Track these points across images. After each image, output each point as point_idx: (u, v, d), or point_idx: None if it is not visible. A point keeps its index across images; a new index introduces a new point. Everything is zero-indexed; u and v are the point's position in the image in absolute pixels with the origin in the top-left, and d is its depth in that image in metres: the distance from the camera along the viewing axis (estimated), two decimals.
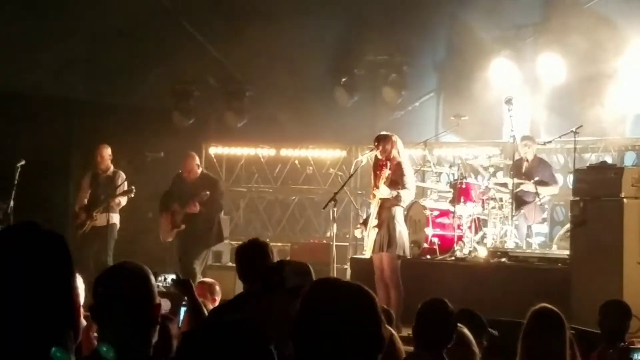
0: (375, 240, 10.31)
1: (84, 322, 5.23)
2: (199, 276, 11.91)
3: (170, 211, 12.90)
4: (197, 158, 13.24)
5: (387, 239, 10.25)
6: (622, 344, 7.29)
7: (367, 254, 10.53)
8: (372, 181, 10.61)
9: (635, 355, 7.47)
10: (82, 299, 3.24)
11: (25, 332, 2.43)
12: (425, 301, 5.48)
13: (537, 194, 12.37)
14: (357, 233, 10.80)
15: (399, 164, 10.33)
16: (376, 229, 10.26)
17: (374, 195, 10.36)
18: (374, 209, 10.38)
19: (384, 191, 10.21)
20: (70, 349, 2.55)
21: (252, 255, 6.04)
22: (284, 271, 5.43)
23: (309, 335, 2.72)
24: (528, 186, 12.43)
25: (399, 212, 10.44)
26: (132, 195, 12.97)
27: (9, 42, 13.79)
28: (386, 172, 10.23)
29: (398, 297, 10.25)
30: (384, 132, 10.62)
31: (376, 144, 10.39)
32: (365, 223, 10.62)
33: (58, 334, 2.50)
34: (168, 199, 13.04)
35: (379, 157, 10.38)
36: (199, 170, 13.12)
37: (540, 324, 5.29)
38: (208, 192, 12.70)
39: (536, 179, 12.41)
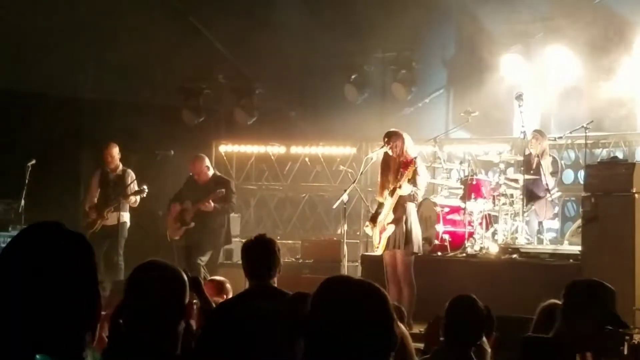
0: (389, 237, 10.30)
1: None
2: (203, 272, 11.91)
3: (181, 207, 12.77)
4: (206, 159, 12.96)
5: (403, 236, 10.25)
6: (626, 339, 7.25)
7: (378, 250, 10.52)
8: (381, 178, 10.59)
9: None
10: None
11: (48, 331, 2.42)
12: (454, 298, 5.44)
13: (547, 190, 12.33)
14: (368, 230, 10.78)
15: (412, 161, 10.33)
16: (393, 226, 10.25)
17: (392, 193, 10.31)
18: (388, 206, 10.35)
19: (406, 189, 10.21)
20: (87, 349, 2.54)
21: (258, 252, 6.01)
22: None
23: (320, 333, 2.71)
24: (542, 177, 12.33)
25: (413, 209, 10.45)
26: (144, 195, 12.97)
27: (19, 41, 13.82)
28: (410, 172, 10.23)
29: (411, 294, 10.25)
30: (393, 129, 10.62)
31: (386, 140, 10.40)
32: (373, 219, 10.59)
33: (78, 334, 2.49)
34: (179, 197, 12.97)
35: (390, 153, 10.37)
36: (210, 172, 12.92)
37: (549, 319, 5.27)
38: (223, 190, 12.61)
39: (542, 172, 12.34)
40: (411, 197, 10.32)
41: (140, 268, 3.43)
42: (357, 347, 2.67)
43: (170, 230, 12.93)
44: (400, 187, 10.19)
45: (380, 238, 10.45)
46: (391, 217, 10.30)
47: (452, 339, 5.29)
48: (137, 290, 3.33)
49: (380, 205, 10.65)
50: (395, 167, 10.35)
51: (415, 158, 10.37)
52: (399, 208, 10.29)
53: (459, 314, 5.30)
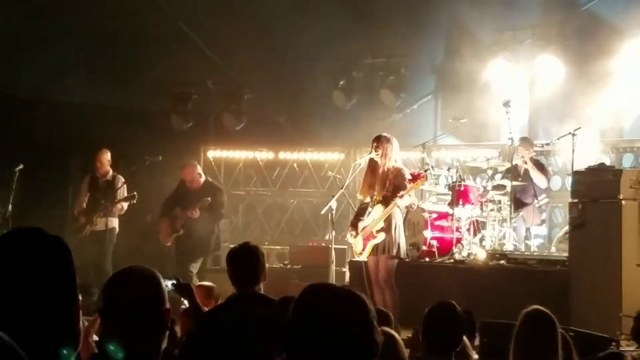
0: (377, 244, 10.29)
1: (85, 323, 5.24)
2: (195, 279, 11.93)
3: (170, 216, 12.90)
4: (197, 166, 13.18)
5: (390, 242, 10.25)
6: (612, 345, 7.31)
7: (363, 257, 10.50)
8: (365, 178, 10.56)
9: None
10: None
11: (27, 338, 2.42)
12: (434, 305, 5.47)
13: (535, 196, 12.38)
14: (350, 238, 10.72)
15: (400, 171, 10.35)
16: (384, 234, 10.24)
17: (386, 202, 10.28)
18: (378, 214, 10.32)
19: (406, 200, 10.29)
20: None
21: (243, 260, 6.02)
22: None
23: (300, 341, 2.72)
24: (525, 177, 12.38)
25: (399, 215, 10.45)
26: (134, 202, 12.97)
27: (7, 45, 13.79)
28: (418, 186, 10.37)
29: (394, 299, 10.23)
30: (384, 134, 10.59)
31: (375, 144, 10.36)
32: (354, 225, 10.56)
33: (59, 341, 2.49)
34: (170, 204, 13.06)
35: (376, 159, 10.35)
36: (202, 179, 13.07)
37: (531, 325, 5.30)
38: (209, 198, 12.71)
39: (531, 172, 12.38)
40: (404, 207, 10.41)
41: (116, 275, 3.42)
42: (337, 354, 2.68)
43: (162, 236, 13.00)
44: (401, 197, 10.20)
45: (364, 245, 10.45)
46: (381, 225, 10.29)
47: (432, 345, 5.32)
48: (111, 297, 3.32)
49: (361, 211, 10.63)
50: (381, 173, 10.35)
51: (401, 169, 10.39)
52: (389, 216, 10.30)
53: (438, 320, 5.34)
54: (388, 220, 10.27)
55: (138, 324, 3.24)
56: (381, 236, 10.25)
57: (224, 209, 13.32)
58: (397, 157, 10.48)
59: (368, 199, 10.50)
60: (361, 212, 10.63)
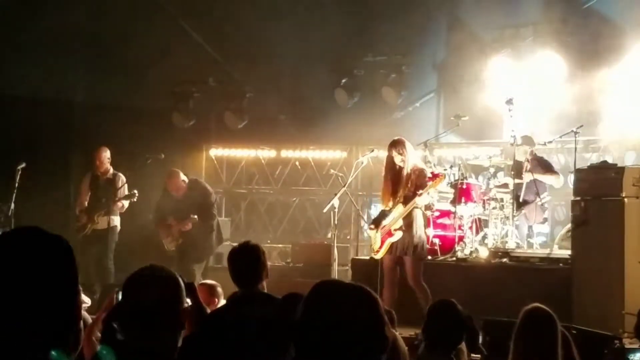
0: (395, 243, 10.29)
1: (88, 320, 5.23)
2: (197, 278, 11.91)
3: (166, 225, 12.85)
4: (180, 174, 12.88)
5: (412, 242, 10.25)
6: (617, 343, 7.31)
7: (378, 254, 10.48)
8: (385, 184, 10.55)
9: (632, 356, 7.46)
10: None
11: (27, 336, 2.42)
12: (434, 303, 5.48)
13: (537, 193, 12.35)
14: (371, 233, 10.74)
15: (423, 171, 10.38)
16: (401, 232, 10.25)
17: (405, 201, 10.28)
18: (398, 212, 10.32)
19: (425, 199, 10.35)
20: (70, 354, 2.54)
21: (244, 259, 6.01)
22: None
23: (311, 337, 2.71)
24: (528, 176, 12.35)
25: (420, 215, 10.46)
26: (135, 200, 12.95)
27: (8, 44, 13.79)
28: (437, 184, 10.44)
29: (426, 297, 10.16)
30: (397, 137, 10.57)
31: (400, 151, 10.33)
32: (376, 222, 10.57)
33: (59, 339, 2.49)
34: (161, 213, 12.97)
35: (401, 164, 10.32)
36: (185, 184, 12.91)
37: (531, 323, 5.31)
38: (196, 217, 12.62)
39: (532, 176, 12.39)
40: (427, 206, 10.43)
41: (139, 272, 3.42)
42: (348, 350, 2.68)
43: (166, 244, 12.95)
44: (420, 195, 10.21)
45: (382, 242, 10.44)
46: (400, 223, 10.29)
47: (434, 342, 5.32)
48: (134, 294, 3.32)
49: (384, 212, 10.61)
50: (402, 175, 10.33)
51: (422, 169, 10.42)
52: (409, 215, 10.30)
53: (440, 318, 5.35)
54: (408, 220, 10.27)
55: (158, 323, 3.24)
56: (398, 234, 10.26)
57: (214, 208, 13.24)
58: (414, 156, 10.54)
59: (391, 204, 10.49)
60: (385, 213, 10.62)
